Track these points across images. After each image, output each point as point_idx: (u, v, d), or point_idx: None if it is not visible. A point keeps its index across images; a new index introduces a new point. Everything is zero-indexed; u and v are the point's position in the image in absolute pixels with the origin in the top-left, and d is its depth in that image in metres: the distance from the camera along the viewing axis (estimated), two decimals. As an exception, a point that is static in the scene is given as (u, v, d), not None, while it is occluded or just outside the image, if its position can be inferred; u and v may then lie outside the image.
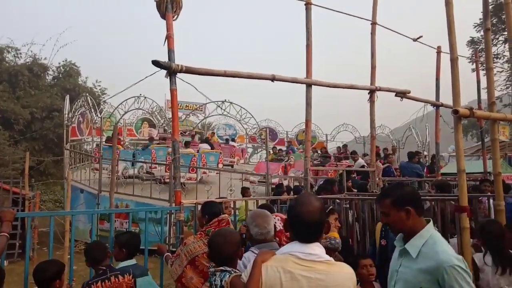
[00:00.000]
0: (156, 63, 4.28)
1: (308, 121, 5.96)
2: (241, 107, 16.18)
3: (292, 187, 8.89)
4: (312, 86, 5.81)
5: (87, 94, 15.69)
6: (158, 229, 5.21)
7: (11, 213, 3.19)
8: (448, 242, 3.94)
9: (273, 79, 5.28)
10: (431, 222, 2.19)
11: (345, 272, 1.89)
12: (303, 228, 1.85)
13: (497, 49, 23.72)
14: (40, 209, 11.18)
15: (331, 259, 1.88)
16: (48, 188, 19.86)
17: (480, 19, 22.99)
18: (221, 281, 2.16)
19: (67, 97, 14.41)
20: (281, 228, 3.42)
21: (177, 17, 4.61)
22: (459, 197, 3.83)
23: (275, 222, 3.00)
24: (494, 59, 22.92)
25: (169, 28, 4.42)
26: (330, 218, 3.13)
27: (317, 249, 1.84)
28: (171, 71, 4.37)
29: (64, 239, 6.08)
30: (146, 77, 4.79)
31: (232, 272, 2.20)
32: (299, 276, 1.77)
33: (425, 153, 16.34)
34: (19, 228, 8.98)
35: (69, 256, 5.80)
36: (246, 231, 2.59)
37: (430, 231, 2.12)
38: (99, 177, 10.11)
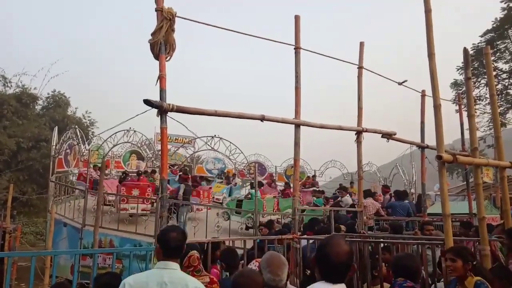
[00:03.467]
0: (147, 102, 4.34)
1: (296, 160, 6.04)
2: (230, 142, 16.23)
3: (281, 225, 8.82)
4: (301, 126, 5.93)
5: (76, 127, 15.64)
6: (143, 266, 5.08)
7: None
8: (435, 285, 3.97)
9: (262, 119, 5.38)
10: None
11: None
12: (331, 268, 1.96)
13: (480, 91, 24.57)
14: (20, 242, 10.84)
15: None
16: (30, 220, 19.35)
17: (462, 62, 23.94)
18: None
19: (56, 128, 14.36)
20: None
21: (170, 58, 4.73)
22: (445, 242, 3.88)
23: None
24: (477, 100, 23.70)
25: (161, 68, 4.52)
26: None
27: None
28: (162, 110, 4.43)
29: (44, 276, 5.89)
30: (137, 115, 4.85)
31: None
32: None
33: (412, 191, 16.47)
34: (-3, 263, 8.65)
35: (48, 294, 5.63)
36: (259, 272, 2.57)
37: None
38: (83, 212, 9.91)
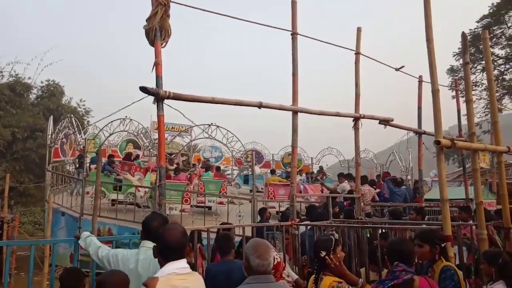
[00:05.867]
0: (144, 89, 4.29)
1: (294, 148, 6.02)
2: (227, 130, 16.20)
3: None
4: (298, 113, 5.90)
5: (72, 116, 15.52)
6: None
7: None
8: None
9: (260, 106, 5.34)
10: None
11: (200, 277, 2.53)
12: (172, 249, 2.37)
13: (476, 77, 24.55)
14: (19, 232, 10.84)
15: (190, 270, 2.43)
16: (27, 210, 19.31)
17: (459, 48, 23.89)
18: None
19: (51, 118, 14.23)
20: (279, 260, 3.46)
21: (165, 45, 4.66)
22: (443, 226, 3.90)
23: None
24: (473, 86, 23.68)
25: (157, 55, 4.46)
26: (338, 250, 3.04)
27: (184, 263, 2.38)
28: (159, 98, 4.38)
29: (44, 265, 5.89)
30: (134, 102, 4.80)
31: None
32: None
33: (409, 177, 16.57)
34: (-4, 253, 8.65)
35: (48, 283, 5.63)
36: (244, 260, 2.55)
37: None
38: (81, 201, 9.90)
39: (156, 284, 2.21)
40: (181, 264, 2.35)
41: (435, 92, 4.15)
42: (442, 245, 3.38)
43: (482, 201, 4.39)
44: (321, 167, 19.24)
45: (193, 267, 3.56)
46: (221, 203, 11.51)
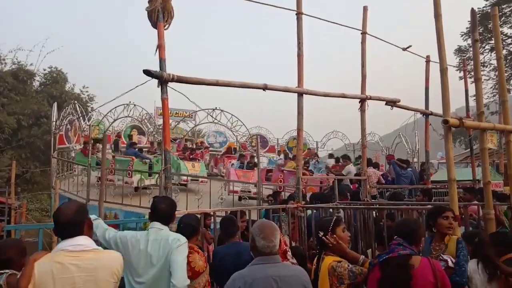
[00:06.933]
0: (147, 72, 4.24)
1: (299, 130, 5.98)
2: (232, 114, 16.13)
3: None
4: (304, 95, 5.83)
5: (75, 102, 15.49)
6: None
7: None
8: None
9: (265, 88, 5.28)
10: None
11: (112, 256, 2.35)
12: (61, 226, 2.26)
13: (484, 57, 24.16)
14: (26, 218, 10.97)
15: (100, 248, 2.33)
16: (34, 197, 19.51)
17: (467, 28, 23.47)
18: None
19: (55, 104, 14.21)
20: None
21: (168, 26, 4.58)
22: (449, 206, 3.87)
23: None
24: (481, 67, 23.30)
25: (160, 37, 4.39)
26: (338, 230, 3.03)
27: (83, 241, 2.23)
28: (163, 81, 4.33)
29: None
30: (137, 86, 4.73)
31: (9, 272, 2.52)
32: (69, 265, 2.12)
33: (415, 160, 16.49)
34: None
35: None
36: (250, 241, 2.55)
37: None
38: (87, 186, 9.95)
39: (40, 258, 2.16)
40: (76, 241, 2.21)
41: (443, 71, 4.07)
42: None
43: (490, 181, 4.35)
44: (331, 155, 18.42)
45: (202, 249, 3.59)
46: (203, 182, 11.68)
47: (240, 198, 11.06)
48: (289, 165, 12.37)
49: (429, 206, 4.89)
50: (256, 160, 12.23)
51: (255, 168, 11.62)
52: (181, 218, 3.63)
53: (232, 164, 13.60)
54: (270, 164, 15.37)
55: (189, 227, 3.44)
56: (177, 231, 3.27)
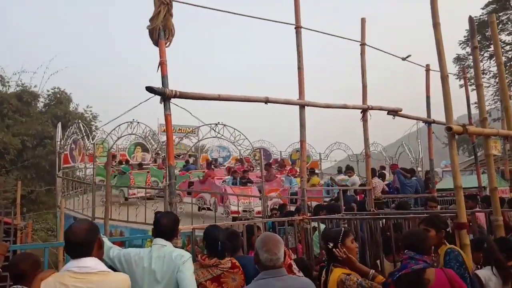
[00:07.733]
0: (150, 89, 4.28)
1: (302, 142, 5.98)
2: (234, 129, 16.18)
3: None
4: (305, 107, 5.86)
5: (79, 121, 15.61)
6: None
7: (4, 246, 3.12)
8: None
9: (266, 101, 5.31)
10: None
11: (118, 279, 2.30)
12: (71, 246, 2.25)
13: (483, 65, 24.28)
14: (32, 238, 10.96)
15: (107, 270, 2.27)
16: (40, 217, 19.50)
17: (464, 36, 23.64)
18: None
19: (59, 124, 14.34)
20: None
21: (169, 44, 4.64)
22: (457, 214, 3.84)
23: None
24: (481, 74, 23.41)
25: (162, 55, 4.45)
26: (347, 241, 3.01)
27: (89, 262, 2.20)
28: (165, 97, 4.37)
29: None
30: (140, 103, 4.77)
31: None
32: (71, 287, 2.11)
33: (419, 168, 16.42)
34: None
35: None
36: (254, 255, 2.52)
37: None
38: (92, 204, 9.96)
39: (46, 277, 2.18)
40: (82, 263, 2.19)
41: (444, 78, 4.09)
42: (447, 229, 3.36)
43: (496, 187, 4.33)
44: (339, 168, 17.80)
45: None
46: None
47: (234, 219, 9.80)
48: (313, 181, 12.00)
49: (435, 214, 4.86)
50: (248, 175, 12.20)
51: (249, 184, 11.49)
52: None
53: (224, 181, 12.30)
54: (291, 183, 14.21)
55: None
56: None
